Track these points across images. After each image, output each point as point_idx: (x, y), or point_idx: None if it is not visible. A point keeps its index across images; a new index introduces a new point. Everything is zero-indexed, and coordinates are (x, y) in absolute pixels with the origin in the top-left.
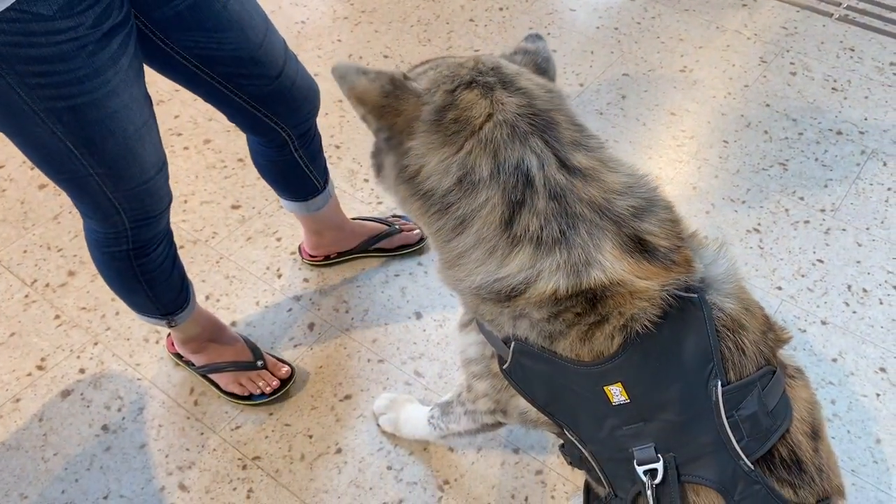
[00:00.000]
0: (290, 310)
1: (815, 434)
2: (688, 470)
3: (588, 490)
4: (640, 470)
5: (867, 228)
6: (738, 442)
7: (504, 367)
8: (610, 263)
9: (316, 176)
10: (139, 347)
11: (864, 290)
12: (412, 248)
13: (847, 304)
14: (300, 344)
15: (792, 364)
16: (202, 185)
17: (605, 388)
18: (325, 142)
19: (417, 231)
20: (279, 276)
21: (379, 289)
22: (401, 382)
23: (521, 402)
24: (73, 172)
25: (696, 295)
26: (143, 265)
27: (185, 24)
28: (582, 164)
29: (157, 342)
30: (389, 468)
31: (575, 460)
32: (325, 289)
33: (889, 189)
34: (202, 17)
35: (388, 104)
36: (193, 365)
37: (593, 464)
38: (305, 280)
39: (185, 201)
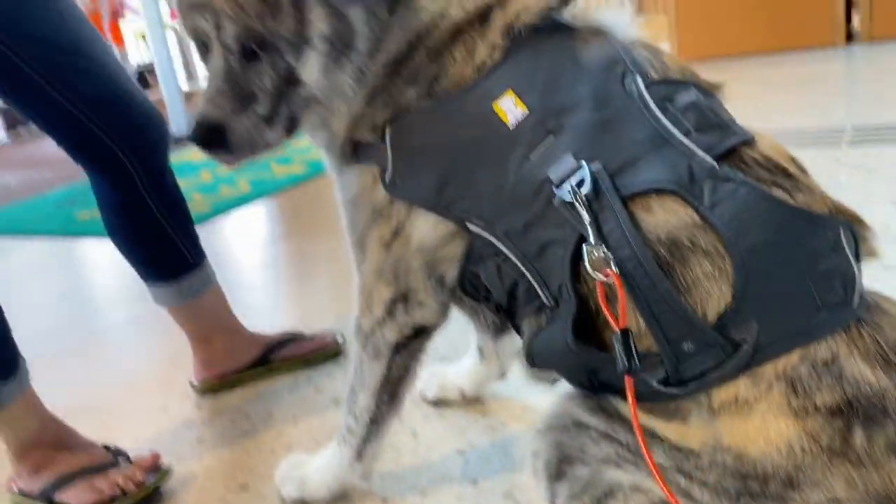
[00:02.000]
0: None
1: (800, 167)
2: (626, 180)
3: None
4: (561, 191)
5: None
6: (684, 136)
7: (387, 179)
8: None
9: (183, 241)
10: None
11: None
12: (329, 355)
13: None
14: (187, 454)
15: None
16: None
17: (494, 105)
18: None
19: (335, 339)
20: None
21: (287, 391)
22: None
23: (417, 231)
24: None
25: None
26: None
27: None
28: None
29: None
30: None
31: (493, 302)
32: (220, 408)
33: None
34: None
35: None
36: (37, 494)
37: (511, 257)
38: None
39: None
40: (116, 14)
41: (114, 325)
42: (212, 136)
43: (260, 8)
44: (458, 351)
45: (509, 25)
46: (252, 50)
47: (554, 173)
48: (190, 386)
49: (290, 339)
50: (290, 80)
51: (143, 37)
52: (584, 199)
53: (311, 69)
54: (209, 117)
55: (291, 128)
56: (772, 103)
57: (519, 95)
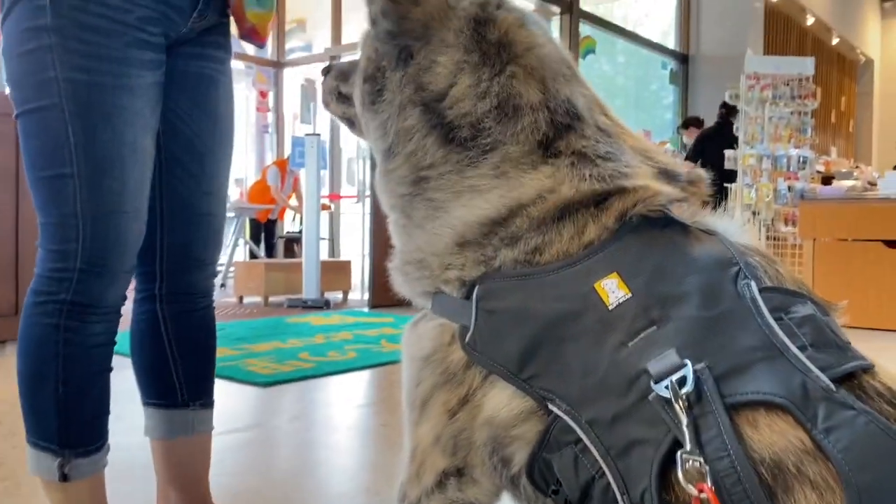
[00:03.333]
0: None
1: None
2: (732, 387)
3: None
4: (659, 387)
5: None
6: (799, 350)
7: (467, 339)
8: (641, 179)
9: (181, 376)
10: None
11: None
12: None
13: None
14: None
15: None
16: None
17: (596, 284)
18: None
19: None
20: None
21: None
22: None
23: (490, 402)
24: (58, 167)
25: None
26: (70, 334)
27: (181, 85)
28: (614, 117)
29: None
30: None
31: (556, 478)
32: None
33: None
34: (192, 89)
35: (400, 3)
36: None
37: (592, 449)
38: None
39: None
40: (295, 186)
41: None
42: (325, 70)
43: (376, 19)
44: None
45: (625, 212)
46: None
47: (654, 366)
48: None
49: None
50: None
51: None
52: (684, 399)
53: (370, 133)
54: (337, 62)
55: (347, 122)
56: None
57: (624, 279)
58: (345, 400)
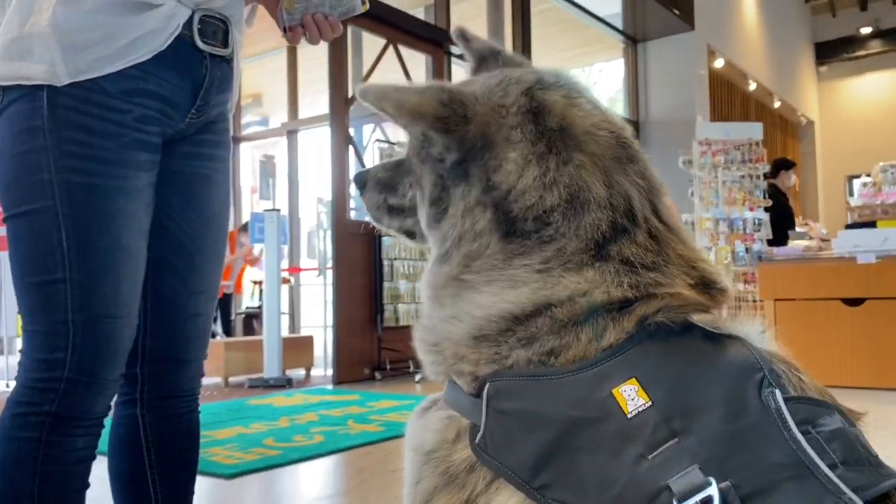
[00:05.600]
0: None
1: None
2: None
3: None
4: None
5: None
6: (830, 469)
7: (478, 440)
8: (675, 287)
9: (157, 489)
10: None
11: None
12: None
13: None
14: None
15: None
16: None
17: (614, 390)
18: None
19: None
20: None
21: None
22: None
23: None
24: (49, 272)
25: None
26: (51, 449)
27: (175, 185)
28: (664, 216)
29: None
30: None
31: None
32: None
33: None
34: (186, 189)
35: (451, 113)
36: None
37: None
38: None
39: None
40: (254, 263)
41: None
42: (359, 181)
43: (429, 138)
44: None
45: (646, 317)
46: (419, 158)
47: (677, 484)
48: None
49: None
50: (412, 217)
51: (258, 283)
52: None
53: (420, 223)
54: (366, 172)
55: (405, 234)
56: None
57: (643, 386)
58: (314, 489)
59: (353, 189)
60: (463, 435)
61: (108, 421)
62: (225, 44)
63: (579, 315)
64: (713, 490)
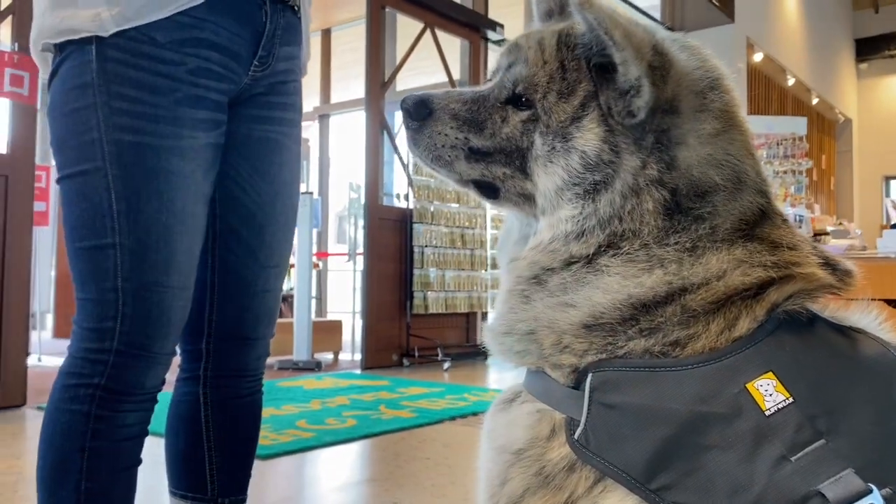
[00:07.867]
0: None
1: None
2: None
3: None
4: None
5: None
6: None
7: (576, 435)
8: (809, 267)
9: (214, 469)
10: None
11: None
12: None
13: None
14: None
15: None
16: None
17: (748, 385)
18: None
19: None
20: None
21: None
22: None
23: None
24: (98, 237)
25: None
26: (100, 425)
27: (243, 151)
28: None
29: None
30: None
31: None
32: None
33: None
34: (255, 155)
35: (662, 63)
36: None
37: None
38: None
39: None
40: None
41: None
42: (418, 109)
43: (551, 73)
44: None
45: (776, 305)
46: (520, 98)
47: (830, 491)
48: None
49: None
50: (519, 166)
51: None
52: None
53: (541, 180)
54: (431, 97)
55: (480, 188)
56: None
57: (781, 380)
58: (351, 473)
59: (385, 173)
60: (559, 431)
61: (168, 396)
62: None
63: (709, 304)
64: (876, 497)
